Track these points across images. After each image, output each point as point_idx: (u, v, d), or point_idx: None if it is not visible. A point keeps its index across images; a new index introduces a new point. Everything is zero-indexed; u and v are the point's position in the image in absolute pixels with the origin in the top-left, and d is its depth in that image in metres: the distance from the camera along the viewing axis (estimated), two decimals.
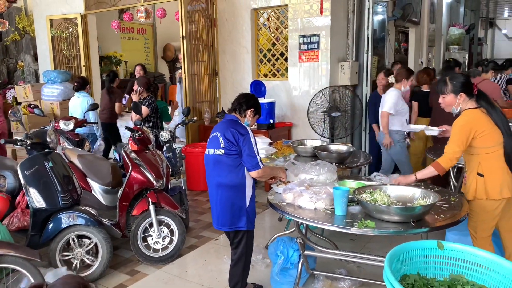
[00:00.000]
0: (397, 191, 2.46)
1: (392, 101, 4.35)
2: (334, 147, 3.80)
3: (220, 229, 2.86)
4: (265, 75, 6.34)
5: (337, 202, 2.34)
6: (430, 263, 2.01)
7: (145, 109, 4.79)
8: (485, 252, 1.93)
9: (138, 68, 6.59)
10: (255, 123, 5.72)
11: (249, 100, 2.84)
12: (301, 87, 5.89)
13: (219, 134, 2.71)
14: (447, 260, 1.98)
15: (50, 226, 3.21)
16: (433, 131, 3.34)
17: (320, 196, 2.47)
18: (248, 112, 2.81)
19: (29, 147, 3.31)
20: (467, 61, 11.01)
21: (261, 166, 2.65)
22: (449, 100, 2.72)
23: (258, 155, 2.67)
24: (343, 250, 3.53)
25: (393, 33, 8.35)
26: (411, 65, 9.22)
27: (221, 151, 2.68)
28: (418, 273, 1.97)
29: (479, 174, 2.65)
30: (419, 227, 2.19)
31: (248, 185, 2.69)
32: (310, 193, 2.51)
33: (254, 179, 2.75)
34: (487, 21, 15.48)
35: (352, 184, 2.75)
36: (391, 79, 4.55)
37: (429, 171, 2.67)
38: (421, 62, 9.29)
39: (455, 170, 4.22)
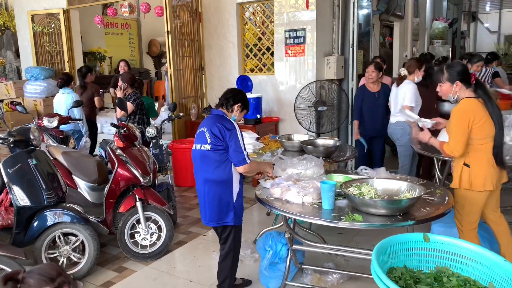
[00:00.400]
0: (384, 185, 2.49)
1: (410, 94, 4.31)
2: (321, 141, 3.81)
3: (208, 225, 2.86)
4: (252, 70, 6.32)
5: (325, 196, 2.36)
6: (416, 256, 2.03)
7: (130, 105, 4.72)
8: (470, 244, 1.96)
9: (122, 64, 6.51)
10: (242, 118, 5.73)
11: (236, 95, 2.82)
12: (287, 81, 5.89)
13: (205, 130, 2.69)
14: (433, 253, 2.00)
15: (35, 224, 3.16)
16: (427, 123, 3.39)
17: (307, 190, 2.48)
18: (235, 107, 2.79)
19: (11, 145, 3.24)
20: (450, 55, 11.14)
21: (248, 161, 2.64)
22: (445, 89, 2.75)
23: (245, 150, 2.66)
24: (331, 244, 3.56)
25: (378, 27, 8.41)
26: (396, 59, 9.32)
27: (208, 147, 2.67)
28: (405, 266, 1.99)
29: (465, 164, 2.70)
30: (406, 220, 2.21)
31: (235, 180, 2.69)
32: (297, 187, 2.51)
33: (241, 174, 2.75)
34: (469, 15, 15.69)
35: (339, 178, 2.77)
36: (403, 71, 4.51)
37: (437, 144, 2.82)
38: (406, 56, 9.36)
39: (439, 163, 4.29)
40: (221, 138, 2.63)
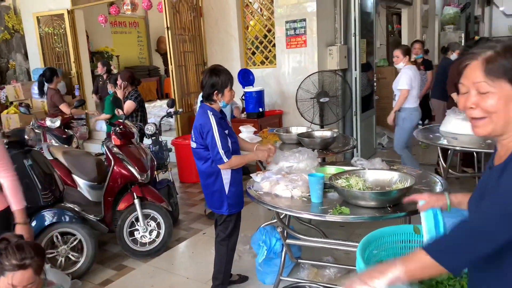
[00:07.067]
0: (375, 176, 2.40)
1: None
2: (318, 133, 3.73)
3: (211, 209, 2.88)
4: (254, 63, 6.26)
5: (313, 189, 2.29)
6: (407, 248, 1.96)
7: (131, 104, 4.72)
8: None
9: (99, 64, 6.56)
10: (244, 112, 5.68)
11: (207, 83, 2.62)
12: (290, 73, 5.81)
13: (193, 128, 2.73)
14: None
15: (33, 224, 3.17)
16: None
17: (296, 183, 2.41)
18: (214, 96, 2.65)
19: (7, 146, 3.26)
20: (463, 41, 10.83)
21: (225, 160, 2.56)
22: None
23: (223, 149, 2.56)
24: (330, 238, 3.51)
25: (384, 14, 8.22)
26: None
27: (194, 144, 2.72)
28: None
29: None
30: (395, 211, 2.13)
31: (223, 172, 2.67)
32: (286, 181, 2.45)
33: None
34: None
35: (331, 170, 2.69)
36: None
37: None
38: None
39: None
40: (200, 138, 2.65)
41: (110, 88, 5.36)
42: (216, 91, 2.63)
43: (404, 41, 9.03)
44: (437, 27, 10.36)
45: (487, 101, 1.13)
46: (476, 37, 7.09)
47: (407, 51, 4.84)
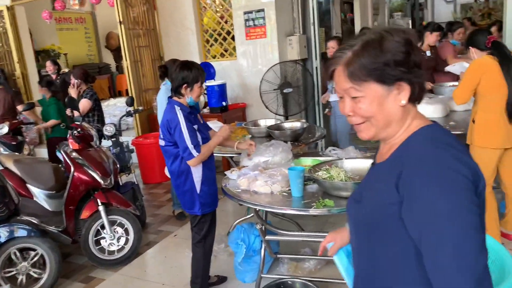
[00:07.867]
0: (353, 165, 2.37)
1: None
2: (287, 124, 3.67)
3: (185, 210, 2.75)
4: (214, 56, 6.10)
5: (293, 183, 2.22)
6: None
7: (87, 102, 4.45)
8: None
9: (48, 63, 6.21)
10: (207, 107, 5.53)
11: (177, 76, 2.51)
12: (251, 65, 5.71)
13: (161, 125, 2.58)
14: None
15: None
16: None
17: (275, 178, 2.33)
18: (182, 90, 2.53)
19: None
20: (410, 27, 11.18)
21: (195, 154, 2.46)
22: (468, 53, 3.00)
23: (192, 143, 2.46)
24: (306, 230, 3.47)
25: (338, 3, 8.29)
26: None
27: (163, 142, 2.60)
28: None
29: (473, 121, 2.90)
30: None
31: (194, 170, 2.54)
32: (264, 176, 2.37)
33: (210, 159, 2.62)
34: None
35: (307, 161, 2.63)
36: None
37: None
38: None
39: None
40: (168, 134, 2.53)
41: (42, 92, 5.00)
42: (186, 85, 2.52)
43: (358, 29, 9.17)
44: (386, 14, 10.62)
45: (360, 107, 1.03)
46: (424, 23, 7.32)
47: (341, 42, 4.78)
